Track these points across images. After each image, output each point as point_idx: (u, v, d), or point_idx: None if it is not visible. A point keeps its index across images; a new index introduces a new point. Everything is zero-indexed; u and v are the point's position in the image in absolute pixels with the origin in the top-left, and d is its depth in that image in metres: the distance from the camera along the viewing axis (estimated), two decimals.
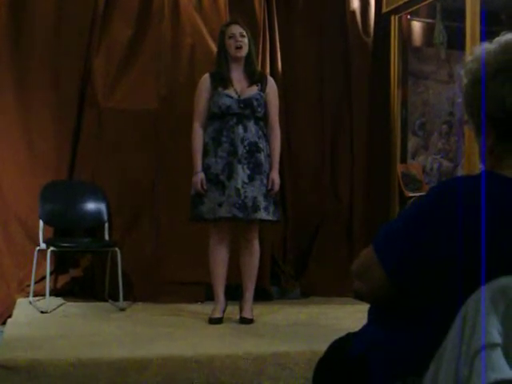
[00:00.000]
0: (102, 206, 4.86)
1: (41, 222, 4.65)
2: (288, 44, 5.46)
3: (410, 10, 5.49)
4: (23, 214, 4.83)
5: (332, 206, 5.51)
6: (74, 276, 4.91)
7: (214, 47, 4.84)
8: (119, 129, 5.00)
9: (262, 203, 4.10)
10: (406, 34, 5.73)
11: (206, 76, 4.28)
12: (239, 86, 4.21)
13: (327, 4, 5.56)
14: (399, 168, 5.45)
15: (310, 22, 5.52)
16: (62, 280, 4.86)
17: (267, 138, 4.23)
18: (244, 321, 4.12)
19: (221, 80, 4.21)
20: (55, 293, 4.72)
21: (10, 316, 4.31)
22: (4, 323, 4.24)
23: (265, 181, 4.14)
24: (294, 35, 5.51)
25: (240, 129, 4.12)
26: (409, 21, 5.77)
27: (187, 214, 4.26)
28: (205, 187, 4.10)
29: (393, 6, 5.44)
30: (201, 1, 5.24)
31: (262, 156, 4.15)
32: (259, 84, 4.25)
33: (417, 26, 5.88)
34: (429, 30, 5.78)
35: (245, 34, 4.23)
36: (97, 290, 4.84)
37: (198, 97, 4.26)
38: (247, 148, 4.11)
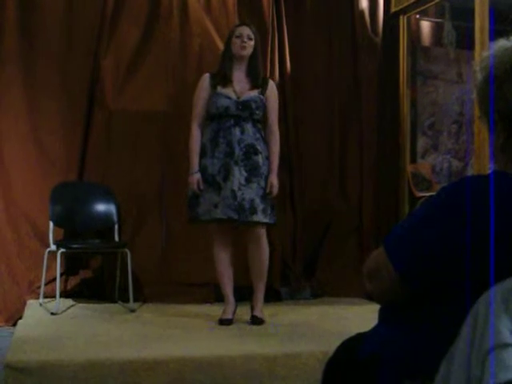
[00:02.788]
0: (112, 208, 4.87)
1: (51, 224, 4.66)
2: (297, 44, 5.45)
3: (418, 10, 5.47)
4: (33, 216, 4.85)
5: (341, 206, 5.49)
6: (84, 277, 4.93)
7: (222, 48, 4.83)
8: (128, 130, 5.01)
9: (260, 205, 4.07)
10: (414, 34, 5.72)
11: (206, 76, 4.26)
12: (239, 87, 4.18)
13: (336, 4, 5.55)
14: (409, 168, 5.43)
15: (318, 23, 5.50)
16: (72, 281, 4.88)
17: (266, 140, 4.21)
18: (255, 320, 4.10)
19: (221, 78, 4.19)
20: (65, 294, 4.73)
21: (20, 317, 4.33)
22: (15, 325, 4.26)
23: (262, 183, 4.10)
24: (302, 35, 5.49)
25: (237, 130, 4.10)
26: (417, 20, 5.75)
27: None
28: (201, 187, 4.09)
29: (401, 6, 5.42)
30: (209, 1, 5.24)
31: (259, 158, 4.12)
32: (259, 87, 4.23)
33: (425, 25, 5.86)
34: (438, 30, 5.76)
35: (252, 37, 4.20)
36: (107, 292, 4.85)
37: (197, 97, 4.24)
38: (244, 150, 4.08)
